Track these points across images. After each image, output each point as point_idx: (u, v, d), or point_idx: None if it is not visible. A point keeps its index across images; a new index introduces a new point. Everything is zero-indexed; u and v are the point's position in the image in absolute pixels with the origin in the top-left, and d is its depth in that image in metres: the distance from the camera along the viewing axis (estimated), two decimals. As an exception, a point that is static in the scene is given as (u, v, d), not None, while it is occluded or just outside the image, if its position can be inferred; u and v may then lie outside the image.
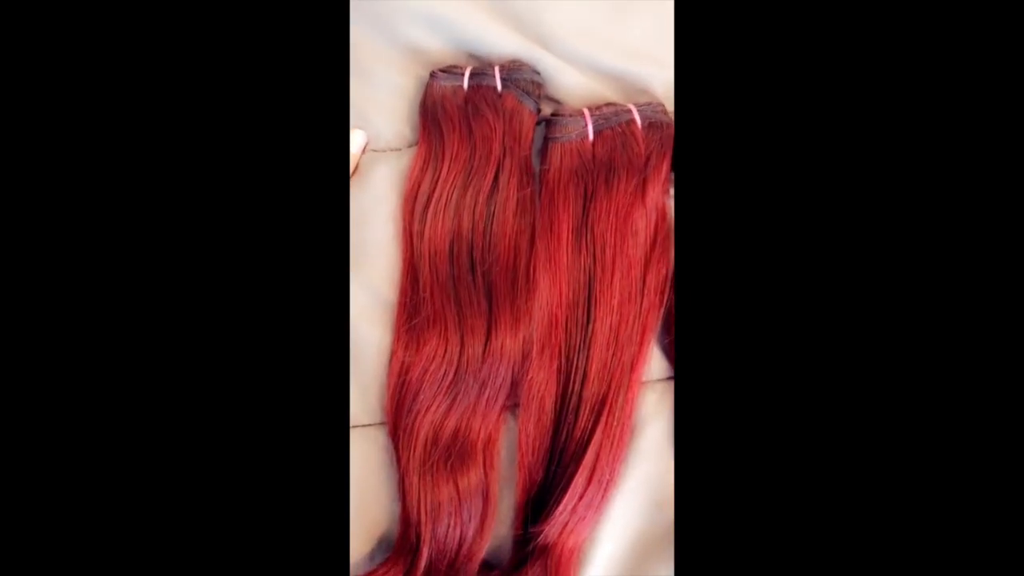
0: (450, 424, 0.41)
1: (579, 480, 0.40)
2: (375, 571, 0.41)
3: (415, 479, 0.41)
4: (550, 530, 0.39)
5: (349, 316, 0.43)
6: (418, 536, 0.40)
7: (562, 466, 0.41)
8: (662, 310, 0.43)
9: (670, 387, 0.43)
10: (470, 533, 0.41)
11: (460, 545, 0.40)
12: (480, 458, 0.41)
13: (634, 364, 0.41)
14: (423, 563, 0.40)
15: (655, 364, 0.43)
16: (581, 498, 0.40)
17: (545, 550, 0.40)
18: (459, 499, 0.40)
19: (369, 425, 0.44)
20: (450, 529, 0.40)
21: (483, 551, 0.41)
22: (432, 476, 0.41)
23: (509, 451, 0.43)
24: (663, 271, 0.43)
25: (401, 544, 0.41)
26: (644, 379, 0.42)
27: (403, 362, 0.42)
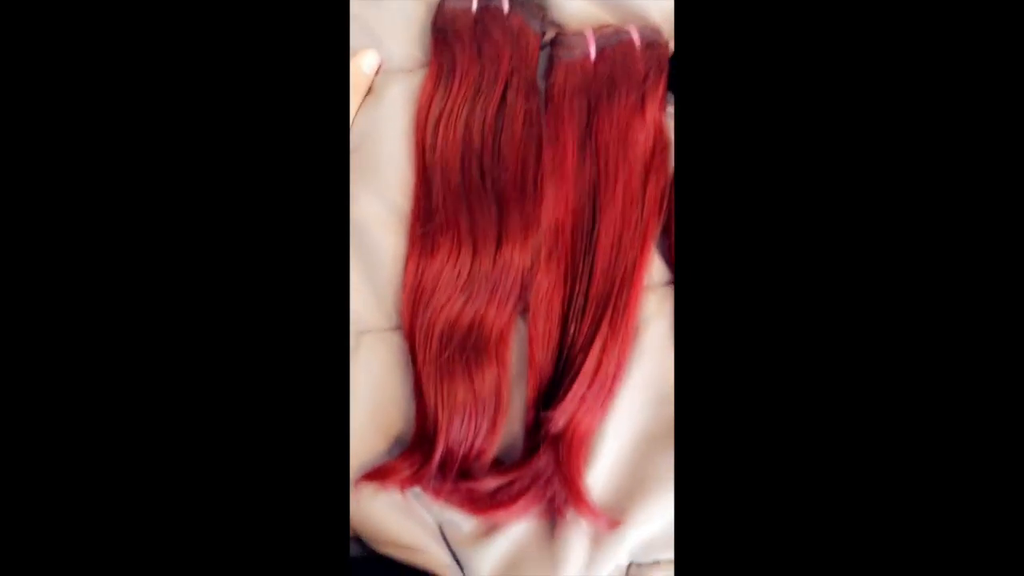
0: (465, 319, 0.43)
1: (586, 371, 0.42)
2: (391, 463, 0.43)
3: (431, 374, 0.43)
4: (559, 418, 0.42)
5: (349, 226, 0.45)
6: (434, 430, 0.42)
7: (570, 360, 0.43)
8: (661, 218, 0.46)
9: (670, 291, 0.45)
10: (484, 428, 0.43)
11: (474, 439, 0.43)
12: (493, 355, 0.43)
13: (636, 266, 0.44)
14: (437, 456, 0.42)
15: (656, 270, 0.46)
16: (589, 387, 0.42)
17: (555, 439, 0.42)
18: (474, 394, 0.42)
19: (385, 330, 0.46)
20: (465, 423, 0.42)
21: (495, 447, 0.43)
22: (448, 371, 0.43)
23: (519, 355, 0.45)
24: (661, 182, 0.46)
25: (416, 439, 0.43)
26: (646, 283, 0.45)
27: (418, 265, 0.45)
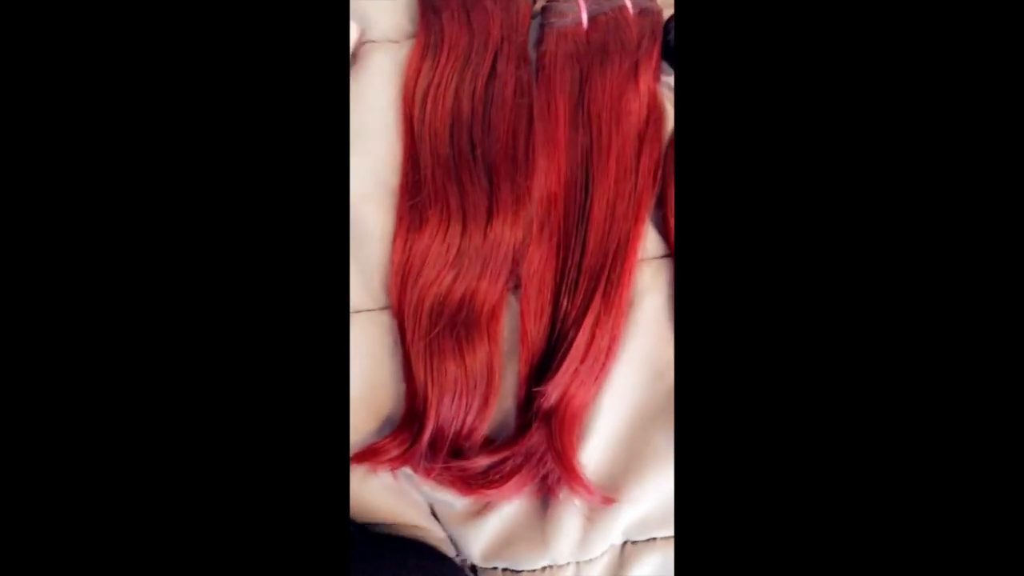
0: (455, 295, 0.42)
1: (579, 344, 0.41)
2: (380, 443, 0.42)
3: (421, 351, 0.42)
4: (552, 392, 0.41)
5: (349, 203, 0.44)
6: (424, 408, 0.41)
7: (563, 334, 0.42)
8: (655, 189, 0.44)
9: (665, 264, 0.44)
10: (475, 405, 0.42)
11: (465, 417, 0.42)
12: (485, 330, 0.42)
13: (631, 238, 0.43)
14: (427, 435, 0.41)
15: (651, 243, 0.45)
16: (582, 362, 0.41)
17: (548, 415, 0.41)
18: (465, 371, 0.41)
19: (372, 310, 0.45)
20: (455, 400, 0.41)
21: (486, 424, 0.42)
22: (438, 348, 0.42)
23: (510, 331, 0.44)
24: (656, 152, 0.45)
25: (406, 418, 0.42)
26: (640, 256, 0.44)
27: (406, 240, 0.43)
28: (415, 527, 0.43)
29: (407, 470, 0.42)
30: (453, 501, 0.43)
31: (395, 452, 0.41)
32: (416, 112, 0.45)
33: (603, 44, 0.45)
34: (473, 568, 0.43)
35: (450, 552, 0.43)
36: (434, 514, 0.43)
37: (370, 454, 0.41)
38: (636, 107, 0.44)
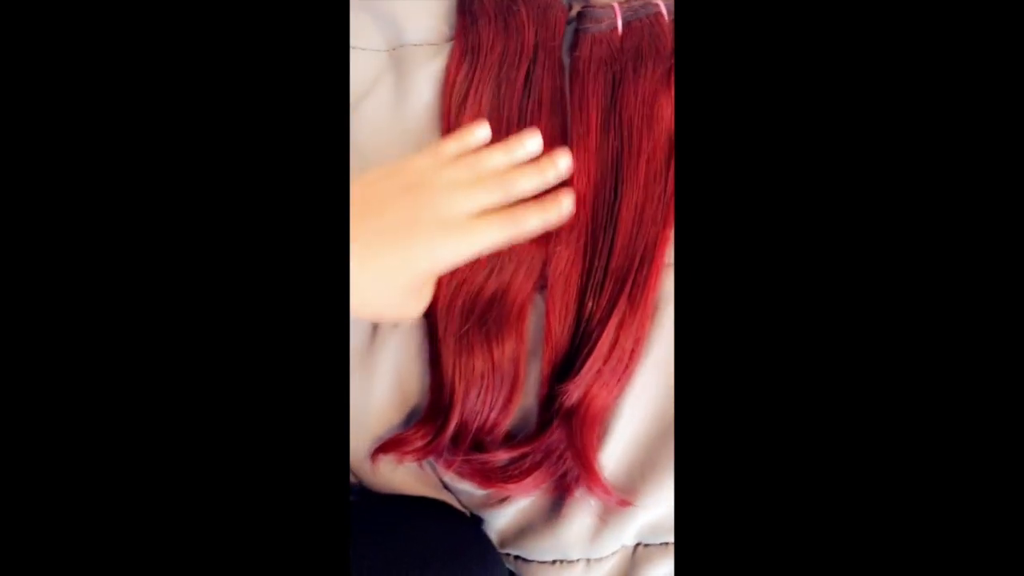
0: (487, 292, 0.43)
1: (603, 344, 0.41)
2: (404, 433, 0.43)
3: (451, 345, 0.43)
4: (574, 391, 0.41)
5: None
6: (450, 401, 0.42)
7: (587, 335, 0.43)
8: (686, 195, 0.44)
9: (692, 269, 0.44)
10: (500, 401, 0.43)
11: (489, 412, 0.43)
12: (513, 328, 0.43)
13: (658, 243, 0.43)
14: (451, 428, 0.42)
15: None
16: (605, 362, 0.42)
17: (569, 413, 0.42)
18: (492, 366, 0.42)
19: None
20: (481, 395, 0.42)
21: (509, 420, 0.43)
22: (467, 343, 0.43)
23: (535, 329, 0.45)
24: (687, 158, 0.45)
25: (430, 411, 0.44)
26: (667, 260, 0.44)
27: None
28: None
29: (429, 460, 0.44)
30: (473, 491, 0.44)
31: (419, 443, 0.43)
32: (453, 115, 0.47)
33: (637, 49, 0.45)
34: None
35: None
36: (457, 500, 0.45)
37: (394, 444, 0.43)
38: (668, 113, 0.45)
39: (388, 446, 0.43)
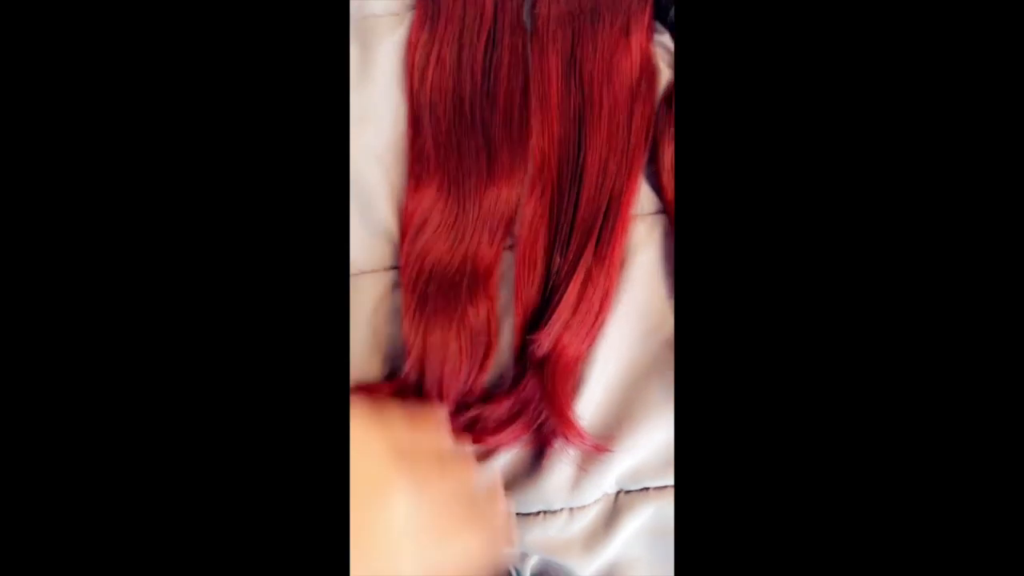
0: (455, 258, 0.44)
1: (571, 294, 0.42)
2: (380, 383, 0.44)
3: (420, 311, 0.44)
4: (544, 341, 0.42)
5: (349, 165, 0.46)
6: (422, 366, 0.43)
7: (555, 289, 0.43)
8: (648, 145, 0.45)
9: (659, 220, 0.45)
10: (474, 363, 0.43)
11: (467, 375, 0.43)
12: (482, 290, 0.44)
13: (624, 194, 0.44)
14: (426, 389, 0.43)
15: (645, 199, 0.45)
16: (574, 313, 0.42)
17: (541, 364, 0.43)
18: (463, 330, 0.43)
19: (379, 271, 0.47)
20: (454, 358, 0.43)
21: (485, 377, 0.44)
22: (436, 308, 0.43)
23: (506, 288, 0.45)
24: (648, 109, 0.45)
25: (405, 375, 0.44)
26: (634, 212, 0.44)
27: (408, 206, 0.45)
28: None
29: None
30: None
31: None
32: (416, 84, 0.47)
33: (595, 4, 0.46)
34: None
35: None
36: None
37: (369, 389, 0.44)
38: (627, 65, 0.45)
39: (364, 388, 0.44)
